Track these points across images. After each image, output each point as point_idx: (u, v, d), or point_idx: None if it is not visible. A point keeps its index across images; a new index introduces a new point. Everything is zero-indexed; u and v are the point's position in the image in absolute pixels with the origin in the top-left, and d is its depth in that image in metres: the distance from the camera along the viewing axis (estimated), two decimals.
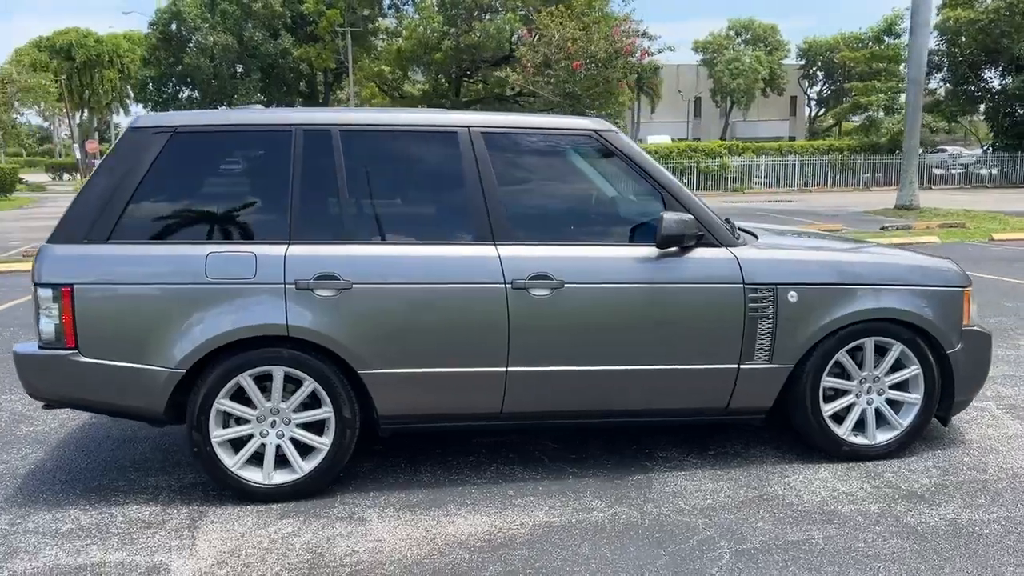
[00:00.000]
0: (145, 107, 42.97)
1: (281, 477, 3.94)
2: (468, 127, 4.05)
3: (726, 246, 4.14)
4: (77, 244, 3.79)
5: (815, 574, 3.23)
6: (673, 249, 4.06)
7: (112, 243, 3.80)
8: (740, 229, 4.62)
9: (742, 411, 4.26)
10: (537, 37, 14.12)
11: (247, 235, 3.89)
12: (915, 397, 4.34)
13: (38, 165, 69.26)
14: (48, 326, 3.77)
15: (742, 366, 4.13)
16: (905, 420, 4.35)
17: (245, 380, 3.85)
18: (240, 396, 3.88)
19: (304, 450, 3.96)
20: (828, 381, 4.25)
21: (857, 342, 4.24)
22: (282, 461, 3.95)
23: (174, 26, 33.63)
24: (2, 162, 45.03)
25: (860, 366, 4.29)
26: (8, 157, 68.19)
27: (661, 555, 3.39)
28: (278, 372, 3.87)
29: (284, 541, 3.55)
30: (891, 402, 4.36)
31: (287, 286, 3.80)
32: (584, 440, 4.64)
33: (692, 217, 4.02)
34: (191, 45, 33.28)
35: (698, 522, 3.68)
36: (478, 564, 3.33)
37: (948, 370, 4.32)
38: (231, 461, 3.89)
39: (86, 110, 64.30)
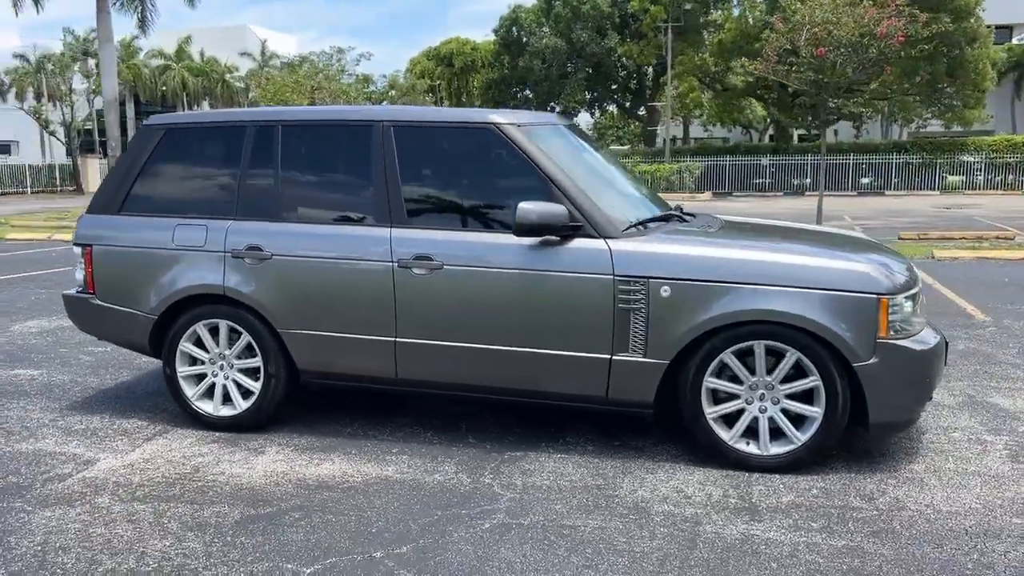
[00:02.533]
0: (486, 107, 47.16)
1: (226, 411, 4.79)
2: (381, 121, 4.55)
3: (604, 237, 4.16)
4: (100, 214, 4.99)
5: (542, 551, 3.31)
6: (555, 238, 4.20)
7: (121, 215, 4.93)
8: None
9: (624, 403, 4.25)
10: (785, 23, 13.41)
11: (207, 211, 4.78)
12: (815, 411, 3.98)
13: None
14: (80, 275, 5.02)
15: (615, 357, 4.14)
16: (804, 435, 4.02)
17: (200, 328, 4.76)
18: (199, 341, 4.80)
19: (245, 392, 4.77)
20: (712, 382, 4.08)
21: (745, 344, 4.01)
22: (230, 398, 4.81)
23: (514, 31, 36.63)
24: None
25: (753, 371, 4.05)
26: None
27: (434, 514, 3.67)
28: (223, 325, 4.73)
29: (188, 458, 4.40)
30: (791, 414, 4.05)
31: (226, 254, 4.64)
32: (519, 417, 4.88)
33: (563, 208, 4.12)
34: (527, 48, 35.94)
35: (505, 495, 3.85)
36: (289, 495, 3.89)
37: (859, 386, 3.90)
38: (191, 392, 4.83)
39: None
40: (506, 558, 3.28)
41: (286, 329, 4.59)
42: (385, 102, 56.54)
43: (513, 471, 4.15)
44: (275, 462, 4.33)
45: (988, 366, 5.96)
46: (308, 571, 3.22)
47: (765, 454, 4.07)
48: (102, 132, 46.93)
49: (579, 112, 40.45)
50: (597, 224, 4.19)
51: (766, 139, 51.57)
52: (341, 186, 4.69)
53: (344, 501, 3.84)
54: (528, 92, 37.71)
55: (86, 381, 5.90)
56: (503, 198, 4.40)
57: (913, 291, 4.05)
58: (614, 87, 39.67)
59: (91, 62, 61.87)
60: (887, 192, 34.83)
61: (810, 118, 26.47)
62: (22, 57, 74.84)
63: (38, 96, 71.53)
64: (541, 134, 4.57)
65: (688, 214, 5.27)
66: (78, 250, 5.00)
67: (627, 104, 41.37)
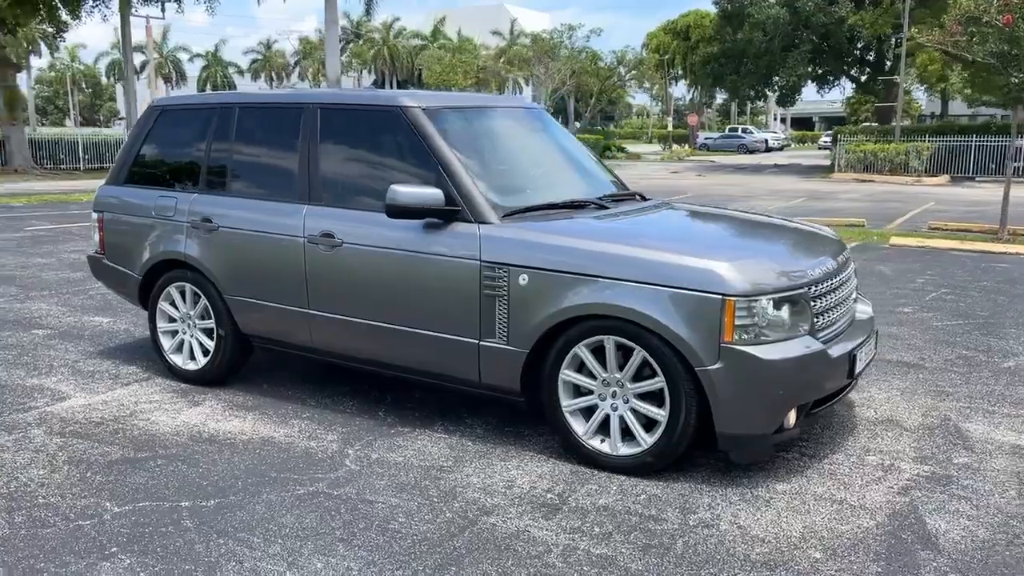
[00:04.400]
0: (701, 83, 45.61)
1: (191, 365, 5.33)
2: (310, 103, 4.80)
3: (479, 222, 4.15)
4: (111, 185, 5.69)
5: (319, 521, 3.46)
6: (437, 221, 4.26)
7: (123, 185, 5.60)
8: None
9: (496, 388, 4.24)
10: None
11: (182, 184, 5.31)
12: (662, 414, 3.76)
13: (642, 137, 77.29)
14: (95, 238, 5.76)
15: (482, 343, 4.15)
16: (652, 438, 3.80)
17: (172, 290, 5.33)
18: (173, 301, 5.37)
19: (205, 350, 5.28)
20: (568, 375, 3.97)
21: (596, 339, 3.86)
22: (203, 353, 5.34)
23: (736, 2, 34.90)
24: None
25: (607, 367, 3.89)
26: (620, 130, 78.99)
27: (269, 476, 3.93)
28: (188, 288, 5.25)
29: (136, 404, 4.97)
30: (642, 415, 3.84)
31: (187, 224, 5.14)
32: (442, 393, 4.99)
33: (438, 192, 4.16)
34: (749, 20, 34.15)
35: (348, 467, 4.02)
36: (174, 444, 4.31)
37: (704, 392, 3.64)
38: (167, 346, 5.42)
39: (698, 87, 69.34)
40: (284, 522, 3.47)
41: (230, 295, 5.01)
42: (612, 79, 56.57)
43: (382, 445, 4.30)
44: (198, 415, 4.78)
45: (1017, 388, 5.16)
46: (117, 510, 3.60)
47: (614, 454, 3.91)
48: None
49: (803, 86, 37.91)
50: (474, 208, 4.18)
51: None
52: (276, 164, 4.99)
53: (211, 455, 4.19)
54: (749, 66, 35.94)
55: (135, 331, 6.73)
56: (403, 180, 4.48)
57: (789, 294, 3.68)
58: (848, 60, 36.74)
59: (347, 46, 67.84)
60: None
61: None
62: (305, 40, 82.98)
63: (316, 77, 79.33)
64: (453, 117, 4.61)
65: (644, 198, 5.09)
66: (94, 216, 5.75)
67: (862, 79, 38.19)
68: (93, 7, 29.22)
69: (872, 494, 3.67)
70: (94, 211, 5.76)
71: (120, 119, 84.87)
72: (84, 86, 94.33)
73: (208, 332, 5.23)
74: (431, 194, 4.14)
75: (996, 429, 4.44)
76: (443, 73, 27.79)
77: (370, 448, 4.26)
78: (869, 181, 28.57)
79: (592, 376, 3.94)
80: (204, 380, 5.27)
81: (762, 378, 3.57)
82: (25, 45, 64.78)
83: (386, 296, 4.42)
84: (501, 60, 69.48)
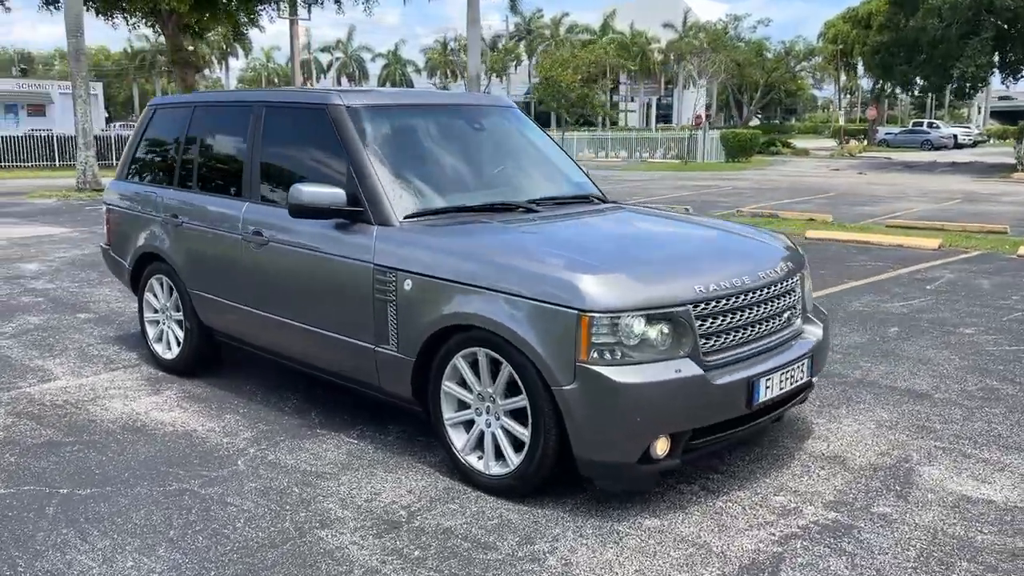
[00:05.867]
0: (873, 73, 42.36)
1: (168, 355, 5.53)
2: (256, 102, 4.84)
3: (378, 224, 4.03)
4: (116, 180, 6.00)
5: (177, 516, 3.48)
6: (346, 222, 4.18)
7: (126, 181, 5.89)
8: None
9: (395, 396, 4.11)
10: None
11: (161, 181, 5.51)
12: (526, 434, 3.50)
13: (824, 132, 72.86)
14: (104, 230, 6.10)
15: (377, 348, 4.03)
16: (518, 459, 3.55)
17: (154, 281, 5.56)
18: (155, 292, 5.60)
19: (178, 340, 5.46)
20: (449, 387, 3.79)
21: (472, 350, 3.65)
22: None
23: None
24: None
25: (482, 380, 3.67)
26: (801, 124, 75.31)
27: (161, 469, 4.00)
28: (165, 280, 5.46)
29: (105, 389, 5.21)
30: (514, 435, 3.59)
31: (162, 219, 5.34)
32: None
33: (340, 192, 4.07)
34: (923, 5, 31.42)
35: (237, 468, 4.01)
36: (103, 431, 4.48)
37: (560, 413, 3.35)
38: (152, 335, 5.66)
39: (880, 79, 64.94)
40: (133, 517, 3.51)
41: (191, 289, 5.16)
42: (779, 71, 54.00)
43: (286, 447, 4.26)
44: (149, 404, 4.95)
45: (1020, 432, 4.42)
46: (2, 492, 3.78)
47: (486, 472, 3.68)
48: None
49: (985, 77, 34.30)
50: (376, 210, 4.06)
51: None
52: (229, 162, 5.06)
53: (124, 444, 4.32)
54: (922, 55, 33.10)
55: None
56: (324, 178, 4.41)
57: (665, 311, 3.31)
58: None
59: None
60: None
61: None
62: (462, 38, 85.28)
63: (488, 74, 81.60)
64: (383, 117, 4.50)
65: (603, 202, 4.82)
66: (103, 208, 6.09)
67: None
68: (261, 10, 31.25)
69: (744, 540, 3.24)
70: (103, 204, 6.10)
71: None
72: (277, 84, 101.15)
73: (180, 324, 5.41)
74: (333, 194, 4.06)
75: (955, 476, 3.81)
76: (550, 68, 27.29)
77: (274, 448, 4.24)
78: None
79: (470, 390, 3.73)
80: (177, 370, 5.45)
81: (616, 402, 3.24)
82: (224, 47, 70.42)
83: (302, 296, 4.39)
84: (671, 54, 67.83)
